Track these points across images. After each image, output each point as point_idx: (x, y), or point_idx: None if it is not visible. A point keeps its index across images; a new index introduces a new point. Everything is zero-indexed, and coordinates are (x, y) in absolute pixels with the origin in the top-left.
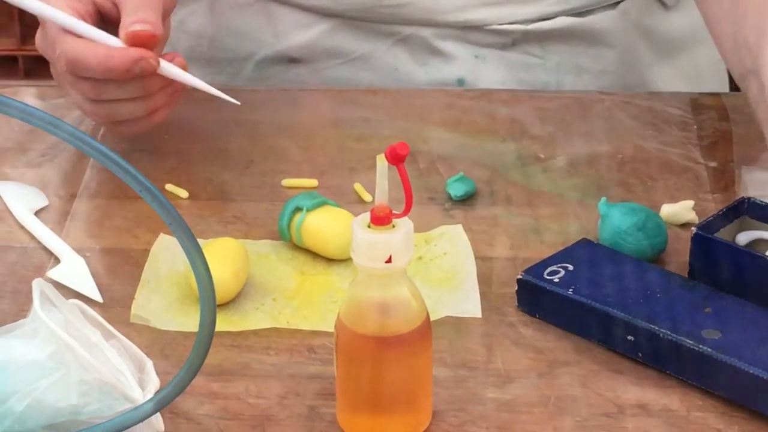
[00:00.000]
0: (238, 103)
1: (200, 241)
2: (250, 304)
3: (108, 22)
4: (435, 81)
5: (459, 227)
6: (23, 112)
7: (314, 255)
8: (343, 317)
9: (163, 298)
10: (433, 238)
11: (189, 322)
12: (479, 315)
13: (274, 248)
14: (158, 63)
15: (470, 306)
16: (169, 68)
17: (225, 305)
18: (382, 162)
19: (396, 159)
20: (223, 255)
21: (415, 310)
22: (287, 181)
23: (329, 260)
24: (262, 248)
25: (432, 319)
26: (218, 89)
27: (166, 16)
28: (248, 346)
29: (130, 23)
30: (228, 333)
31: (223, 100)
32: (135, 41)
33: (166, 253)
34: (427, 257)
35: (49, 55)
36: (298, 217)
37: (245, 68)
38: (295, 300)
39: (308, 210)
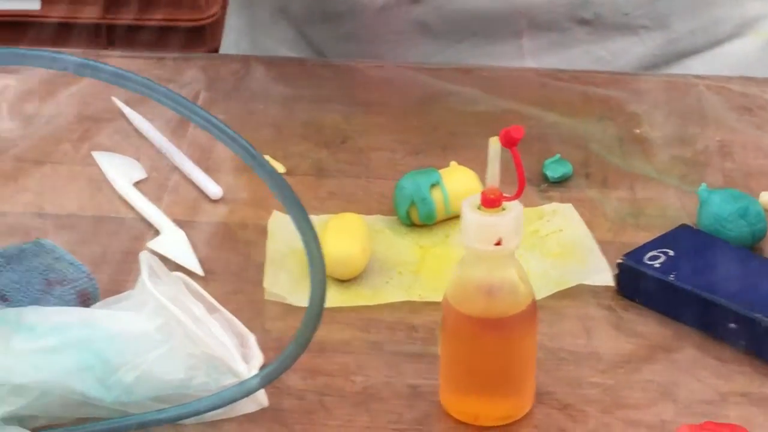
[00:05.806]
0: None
1: (323, 216)
2: (379, 279)
3: None
4: None
5: (570, 206)
6: (117, 76)
7: (429, 228)
8: (450, 297)
9: (290, 275)
10: (546, 213)
11: None
12: (612, 284)
13: (387, 223)
14: None
15: (603, 276)
16: None
17: (353, 280)
18: (495, 144)
19: (510, 142)
20: (350, 230)
21: (521, 293)
22: None
23: (445, 233)
24: (376, 223)
25: (560, 288)
26: None
27: None
28: (348, 324)
29: None
30: (327, 309)
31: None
32: None
33: (282, 230)
34: (543, 231)
35: None
36: (438, 191)
37: None
38: (421, 273)
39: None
